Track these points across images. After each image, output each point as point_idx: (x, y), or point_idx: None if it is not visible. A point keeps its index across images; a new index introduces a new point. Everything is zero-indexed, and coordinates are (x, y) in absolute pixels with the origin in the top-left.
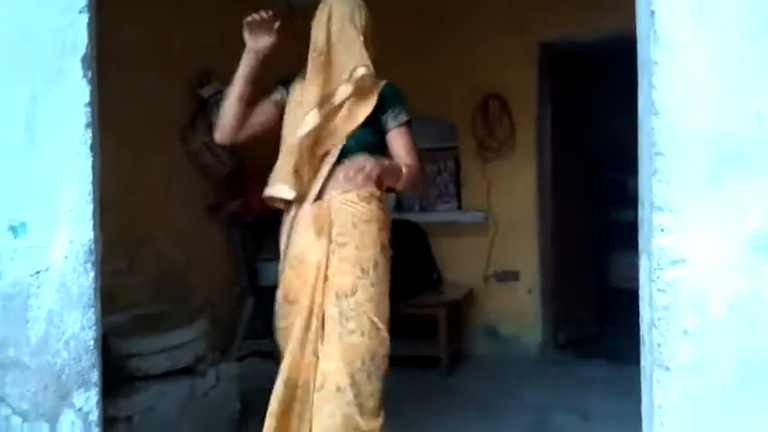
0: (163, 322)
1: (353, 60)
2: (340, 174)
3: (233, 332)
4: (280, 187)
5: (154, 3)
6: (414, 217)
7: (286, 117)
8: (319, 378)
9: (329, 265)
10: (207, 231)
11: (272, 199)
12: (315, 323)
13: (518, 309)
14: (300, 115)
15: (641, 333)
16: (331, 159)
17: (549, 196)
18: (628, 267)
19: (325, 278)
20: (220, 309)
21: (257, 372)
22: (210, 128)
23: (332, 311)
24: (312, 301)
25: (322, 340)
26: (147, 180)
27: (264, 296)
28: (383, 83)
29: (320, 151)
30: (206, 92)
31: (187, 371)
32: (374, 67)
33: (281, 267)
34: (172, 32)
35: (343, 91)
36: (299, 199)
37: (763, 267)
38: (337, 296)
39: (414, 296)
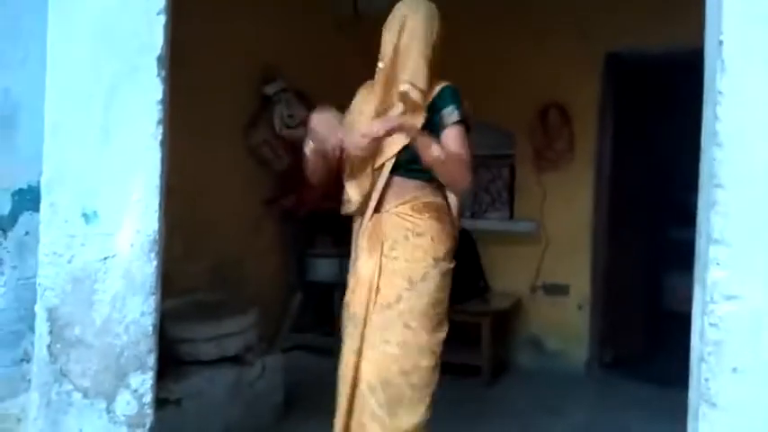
0: (217, 310)
1: (406, 75)
2: (395, 186)
3: (280, 325)
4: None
5: (222, 1)
6: (464, 223)
7: (347, 122)
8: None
9: (380, 279)
10: (261, 224)
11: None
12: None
13: (565, 323)
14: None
15: (690, 365)
16: (386, 171)
17: (606, 211)
18: (683, 290)
19: (377, 290)
20: (269, 301)
21: (302, 365)
22: (272, 124)
23: (375, 320)
24: (366, 313)
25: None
26: (209, 171)
27: (312, 291)
28: (441, 86)
29: (377, 164)
30: (270, 89)
31: (235, 359)
32: (442, 71)
33: (349, 275)
34: (239, 30)
35: (396, 110)
36: (361, 212)
37: None
38: (382, 306)
39: (458, 302)
